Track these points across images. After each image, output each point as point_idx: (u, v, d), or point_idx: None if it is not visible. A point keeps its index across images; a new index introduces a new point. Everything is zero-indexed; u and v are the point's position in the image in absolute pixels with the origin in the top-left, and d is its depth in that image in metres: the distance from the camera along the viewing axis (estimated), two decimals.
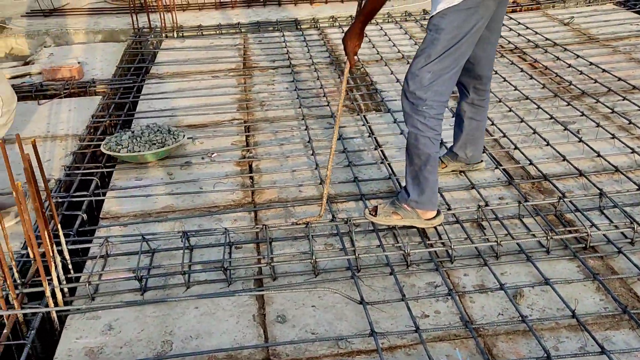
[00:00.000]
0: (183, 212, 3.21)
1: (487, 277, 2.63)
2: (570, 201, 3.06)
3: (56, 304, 2.49)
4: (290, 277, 2.69)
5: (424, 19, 6.41)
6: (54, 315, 2.48)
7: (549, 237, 2.74)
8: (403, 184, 3.09)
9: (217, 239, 2.96)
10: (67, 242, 2.80)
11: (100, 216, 3.19)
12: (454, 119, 3.32)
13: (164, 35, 6.21)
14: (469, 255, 2.76)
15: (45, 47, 6.09)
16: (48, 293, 2.43)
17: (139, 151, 3.56)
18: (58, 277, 2.49)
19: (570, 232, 2.85)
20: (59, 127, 4.22)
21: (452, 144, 3.34)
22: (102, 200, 3.32)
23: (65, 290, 2.59)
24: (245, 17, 6.72)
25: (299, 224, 2.99)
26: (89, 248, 2.93)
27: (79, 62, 5.28)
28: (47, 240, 2.39)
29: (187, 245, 2.88)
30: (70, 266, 2.71)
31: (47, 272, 2.43)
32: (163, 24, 6.23)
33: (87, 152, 3.82)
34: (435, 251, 2.78)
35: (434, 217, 2.87)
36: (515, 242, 2.79)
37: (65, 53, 5.81)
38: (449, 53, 2.62)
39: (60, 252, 2.66)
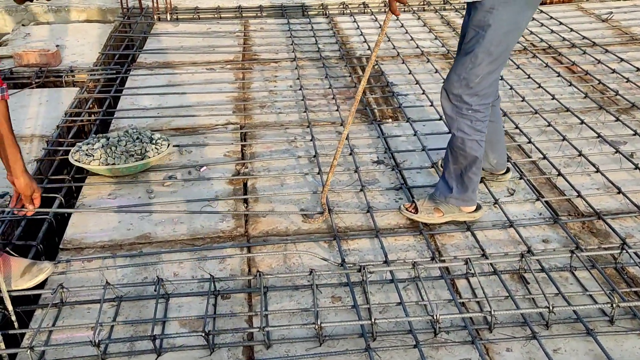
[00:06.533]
0: (161, 245, 2.65)
1: (537, 354, 2.08)
2: (636, 253, 2.49)
3: None
4: (288, 344, 2.14)
5: (444, 9, 5.81)
6: None
7: (614, 305, 2.18)
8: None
9: (200, 285, 2.41)
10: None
11: (60, 246, 2.63)
12: None
13: (156, 17, 5.60)
14: (512, 323, 2.21)
15: (23, 25, 5.49)
16: None
17: (113, 164, 2.99)
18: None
19: (638, 295, 2.30)
20: (25, 125, 3.65)
21: None
22: (66, 223, 2.77)
23: (4, 355, 2.05)
24: (247, 0, 6.10)
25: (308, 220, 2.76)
26: (40, 294, 2.37)
27: (57, 46, 4.68)
28: None
29: (163, 293, 2.32)
30: (13, 318, 2.15)
31: None
32: (155, 4, 5.61)
33: (55, 159, 3.24)
34: (470, 317, 2.23)
35: (476, 211, 2.74)
36: (571, 309, 2.23)
37: (44, 34, 5.20)
38: (499, 53, 2.40)
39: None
